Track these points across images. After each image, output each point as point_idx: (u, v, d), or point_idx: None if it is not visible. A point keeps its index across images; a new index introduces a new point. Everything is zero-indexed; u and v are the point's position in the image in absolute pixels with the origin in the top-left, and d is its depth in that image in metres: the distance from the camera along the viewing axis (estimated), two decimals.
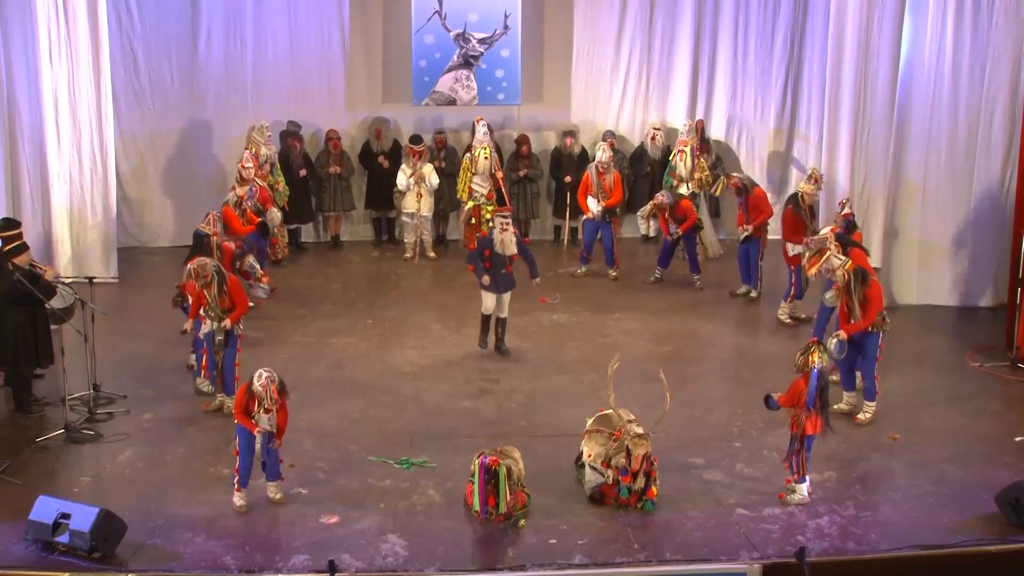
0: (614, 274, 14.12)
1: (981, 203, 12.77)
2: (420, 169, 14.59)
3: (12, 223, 10.30)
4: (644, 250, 15.47)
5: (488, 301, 11.42)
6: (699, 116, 15.85)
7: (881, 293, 9.94)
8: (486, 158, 14.29)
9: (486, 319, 11.51)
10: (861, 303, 9.72)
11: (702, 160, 14.69)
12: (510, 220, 11.47)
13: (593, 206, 13.95)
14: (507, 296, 11.48)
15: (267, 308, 12.83)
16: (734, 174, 13.64)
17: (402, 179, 14.68)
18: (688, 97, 15.93)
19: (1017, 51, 12.34)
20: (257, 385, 8.19)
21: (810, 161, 15.55)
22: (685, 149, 14.56)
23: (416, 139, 14.87)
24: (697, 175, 14.49)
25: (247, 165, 13.26)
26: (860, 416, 9.96)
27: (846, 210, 11.79)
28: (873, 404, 10.00)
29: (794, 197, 12.54)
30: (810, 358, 8.34)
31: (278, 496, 8.46)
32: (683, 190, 14.56)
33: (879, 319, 9.85)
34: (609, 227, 14.08)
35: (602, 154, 14.06)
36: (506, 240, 11.28)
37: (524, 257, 11.51)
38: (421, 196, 14.65)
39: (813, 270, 10.28)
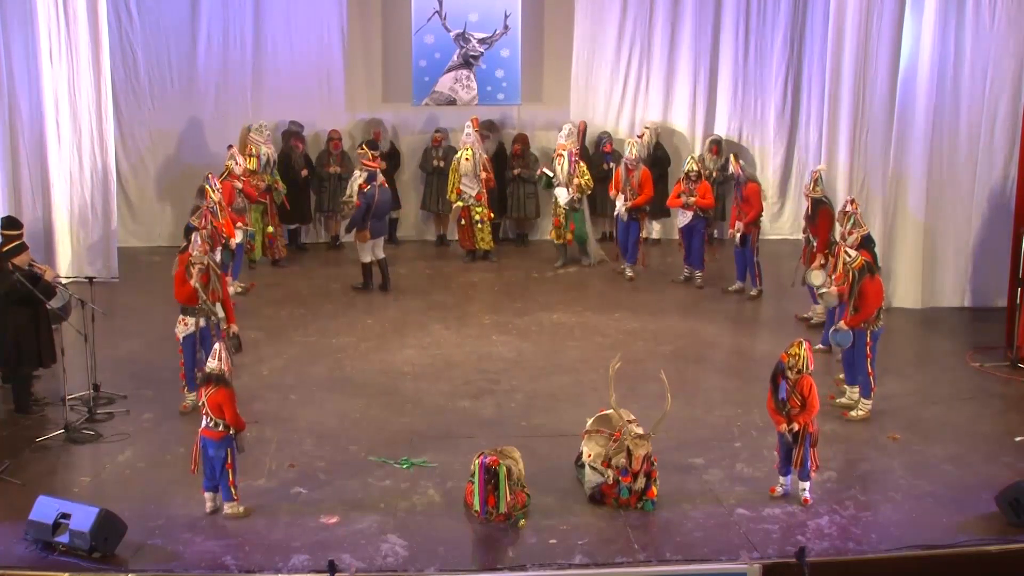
0: (631, 273, 14.10)
1: (982, 204, 12.77)
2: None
3: (15, 223, 10.29)
4: (645, 251, 15.42)
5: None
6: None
7: (880, 290, 9.96)
8: (467, 159, 14.30)
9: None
10: (859, 296, 9.80)
11: (582, 165, 14.28)
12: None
13: (619, 205, 13.92)
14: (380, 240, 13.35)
15: (267, 308, 12.84)
16: (740, 160, 13.51)
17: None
18: (689, 97, 15.94)
19: (1019, 52, 12.32)
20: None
21: (810, 161, 15.54)
22: (563, 153, 14.19)
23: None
24: (576, 181, 14.12)
25: (238, 161, 13.27)
26: (852, 413, 9.95)
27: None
28: (869, 402, 10.00)
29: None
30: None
31: (239, 511, 8.24)
32: (562, 196, 14.15)
33: (873, 316, 9.88)
34: (636, 224, 14.03)
35: (631, 151, 13.94)
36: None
37: None
38: None
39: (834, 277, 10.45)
